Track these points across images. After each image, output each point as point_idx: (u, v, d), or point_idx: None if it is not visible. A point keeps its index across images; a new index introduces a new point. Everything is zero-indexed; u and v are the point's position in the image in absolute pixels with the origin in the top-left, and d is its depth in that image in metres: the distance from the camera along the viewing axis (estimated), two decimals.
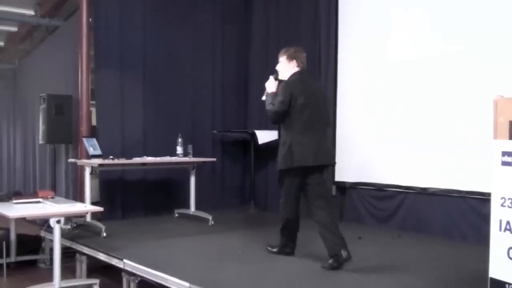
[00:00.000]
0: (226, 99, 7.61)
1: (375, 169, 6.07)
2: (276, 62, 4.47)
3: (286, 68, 4.31)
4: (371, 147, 6.13)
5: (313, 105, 4.20)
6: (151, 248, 4.68)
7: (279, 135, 4.45)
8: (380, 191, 6.06)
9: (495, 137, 2.50)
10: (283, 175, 4.29)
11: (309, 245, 4.85)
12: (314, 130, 4.20)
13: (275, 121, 4.31)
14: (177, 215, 6.54)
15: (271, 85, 4.32)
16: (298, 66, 4.31)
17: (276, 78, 4.36)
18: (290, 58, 4.30)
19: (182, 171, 6.61)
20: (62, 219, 4.19)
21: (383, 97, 6.01)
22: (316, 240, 5.18)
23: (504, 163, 2.46)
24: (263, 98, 4.40)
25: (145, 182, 6.67)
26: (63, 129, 6.65)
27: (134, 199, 6.59)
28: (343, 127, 6.48)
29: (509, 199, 2.43)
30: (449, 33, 5.36)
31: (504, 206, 2.45)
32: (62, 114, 6.63)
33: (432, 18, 5.53)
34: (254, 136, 6.93)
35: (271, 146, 7.02)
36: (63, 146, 7.25)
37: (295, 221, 4.39)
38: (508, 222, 2.44)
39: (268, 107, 4.25)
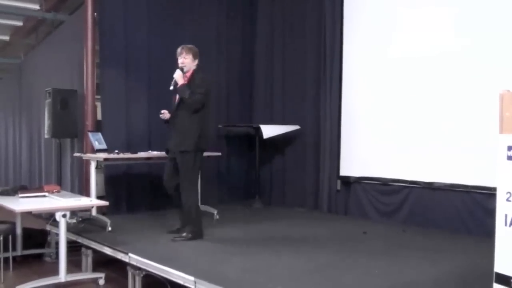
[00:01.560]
0: (231, 94, 7.62)
1: (380, 163, 6.07)
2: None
3: (191, 64, 4.91)
4: (376, 141, 6.12)
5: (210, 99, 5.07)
6: (156, 242, 4.70)
7: (178, 117, 4.86)
8: (385, 186, 6.05)
9: (501, 131, 2.48)
10: (190, 157, 4.76)
11: (312, 240, 4.86)
12: (210, 119, 5.22)
13: (198, 109, 4.78)
14: None
15: (180, 78, 4.83)
16: (198, 62, 4.97)
17: (183, 72, 4.89)
18: (196, 56, 4.95)
19: None
20: (68, 213, 4.22)
21: (388, 92, 6.00)
22: (319, 235, 5.20)
23: (510, 158, 2.45)
24: (171, 88, 4.88)
25: (150, 176, 6.68)
26: (69, 124, 6.67)
27: (139, 193, 6.61)
28: (348, 121, 6.48)
29: None
30: (457, 29, 5.34)
31: (510, 201, 2.44)
32: (67, 108, 6.64)
33: (436, 16, 5.50)
34: (259, 131, 6.93)
35: (276, 141, 7.04)
36: (68, 141, 7.27)
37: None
38: None
39: (194, 96, 4.72)
